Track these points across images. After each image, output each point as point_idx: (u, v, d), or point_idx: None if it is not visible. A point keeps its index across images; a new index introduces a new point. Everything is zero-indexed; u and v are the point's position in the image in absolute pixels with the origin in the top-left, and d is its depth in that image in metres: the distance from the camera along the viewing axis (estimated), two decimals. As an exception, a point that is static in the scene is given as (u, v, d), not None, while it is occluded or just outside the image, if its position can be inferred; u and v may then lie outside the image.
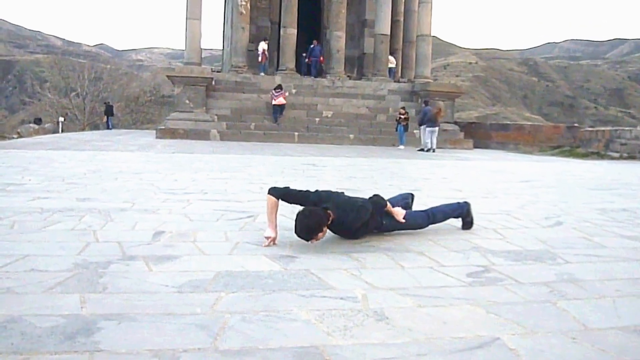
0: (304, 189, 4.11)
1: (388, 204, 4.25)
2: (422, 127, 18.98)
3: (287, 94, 21.41)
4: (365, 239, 4.17)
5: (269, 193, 4.01)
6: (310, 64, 24.60)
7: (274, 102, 20.83)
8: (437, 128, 18.77)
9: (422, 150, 18.52)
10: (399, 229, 4.39)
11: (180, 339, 2.19)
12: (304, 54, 24.52)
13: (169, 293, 2.76)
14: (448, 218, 4.68)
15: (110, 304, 2.55)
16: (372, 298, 2.79)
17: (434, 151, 18.29)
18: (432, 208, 4.68)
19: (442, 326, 2.45)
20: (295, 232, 3.78)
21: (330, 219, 3.83)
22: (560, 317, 2.63)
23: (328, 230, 3.93)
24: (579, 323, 2.55)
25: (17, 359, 1.97)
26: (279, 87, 21.20)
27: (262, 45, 23.92)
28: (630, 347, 2.29)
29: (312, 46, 24.47)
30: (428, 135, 18.65)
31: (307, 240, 3.79)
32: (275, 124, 20.91)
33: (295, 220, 3.78)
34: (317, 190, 4.08)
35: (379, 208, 4.16)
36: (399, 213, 4.30)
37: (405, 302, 2.77)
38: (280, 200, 4.00)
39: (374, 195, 4.25)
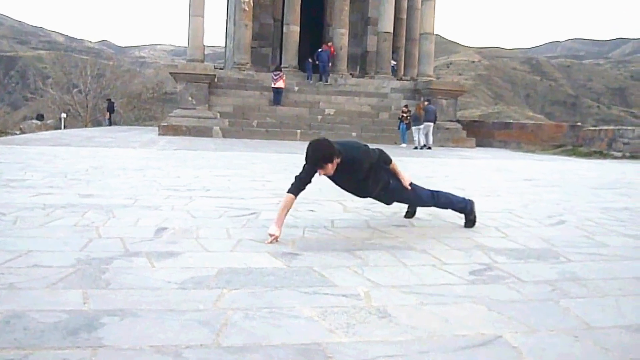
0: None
1: (393, 162, 4.29)
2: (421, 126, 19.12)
3: (285, 77, 21.75)
4: (368, 236, 4.17)
5: (288, 192, 4.00)
6: (317, 66, 23.56)
7: (272, 85, 21.45)
8: (421, 126, 18.94)
9: (419, 147, 18.63)
10: (404, 198, 4.41)
11: (183, 335, 2.19)
12: (310, 60, 23.54)
13: (171, 289, 2.76)
14: (451, 207, 4.68)
15: (113, 300, 2.55)
16: (374, 295, 2.79)
17: (422, 148, 18.50)
18: (437, 190, 4.69)
19: (445, 324, 2.44)
20: (306, 159, 3.86)
21: (340, 157, 3.86)
22: (563, 315, 2.63)
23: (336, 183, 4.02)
24: (581, 321, 2.55)
25: (20, 354, 1.97)
26: (278, 69, 21.92)
27: None
28: (634, 346, 2.29)
29: (320, 50, 23.54)
30: (415, 132, 18.95)
31: (318, 168, 3.83)
32: (272, 106, 21.51)
33: (307, 149, 3.84)
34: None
35: (384, 159, 4.21)
36: (406, 177, 4.33)
37: (408, 299, 2.77)
38: (300, 192, 4.00)
39: (377, 148, 4.27)
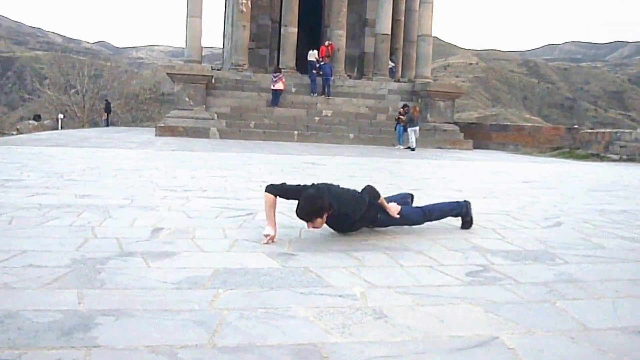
0: (301, 184, 4.11)
1: (381, 196, 4.25)
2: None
3: (285, 79, 21.67)
4: (364, 237, 4.17)
5: (266, 191, 4.01)
6: (321, 79, 22.88)
7: (272, 87, 21.40)
8: (417, 127, 19.16)
9: (408, 148, 18.87)
10: (393, 224, 4.39)
11: (178, 335, 2.18)
12: (314, 71, 22.87)
13: (167, 289, 2.75)
14: (445, 216, 4.67)
15: (108, 300, 2.54)
16: (370, 296, 2.79)
17: (413, 150, 18.64)
18: (428, 205, 4.68)
19: (441, 325, 2.44)
20: (296, 212, 3.80)
21: (331, 210, 3.84)
22: (559, 317, 2.63)
23: (325, 225, 3.93)
24: (578, 323, 2.54)
25: (14, 354, 1.96)
26: (278, 70, 21.83)
27: (315, 54, 23.66)
28: (630, 348, 2.28)
29: (323, 63, 22.99)
30: (411, 133, 19.12)
31: (306, 222, 3.80)
32: (270, 107, 21.46)
33: (299, 201, 3.79)
34: (313, 184, 4.05)
35: (373, 196, 4.18)
36: (393, 209, 4.30)
37: (404, 300, 2.76)
38: (278, 197, 4.00)
39: (367, 185, 4.25)
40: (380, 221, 4.34)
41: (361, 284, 3.00)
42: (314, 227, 3.86)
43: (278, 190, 4.01)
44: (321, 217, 3.79)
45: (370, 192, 4.16)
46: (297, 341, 2.18)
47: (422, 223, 4.54)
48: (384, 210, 4.28)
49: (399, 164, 12.17)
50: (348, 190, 4.16)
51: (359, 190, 4.20)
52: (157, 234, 4.01)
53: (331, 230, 4.23)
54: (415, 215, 4.49)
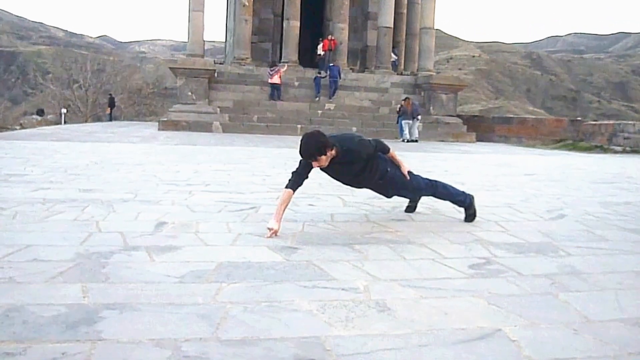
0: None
1: (392, 150, 4.31)
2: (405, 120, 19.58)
3: (284, 69, 21.58)
4: (367, 230, 4.17)
5: (286, 187, 4.00)
6: (327, 79, 22.39)
7: (269, 81, 21.36)
8: (411, 120, 19.33)
9: (408, 141, 19.05)
10: (402, 185, 4.42)
11: (182, 328, 2.19)
12: (319, 74, 22.51)
13: (171, 283, 2.76)
14: (449, 198, 4.67)
15: (113, 294, 2.55)
16: (374, 289, 2.79)
17: (407, 141, 18.86)
18: (436, 180, 4.68)
19: (444, 317, 2.45)
20: (300, 152, 3.87)
21: (335, 149, 3.88)
22: (562, 309, 2.63)
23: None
24: (580, 315, 2.55)
25: (19, 347, 1.97)
26: (274, 64, 21.83)
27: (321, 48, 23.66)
28: (632, 340, 2.29)
29: (331, 65, 22.66)
30: (405, 127, 19.28)
31: (310, 160, 3.86)
32: (272, 101, 21.43)
33: (301, 143, 3.85)
34: None
35: (381, 148, 4.23)
36: (405, 165, 4.33)
37: (407, 293, 2.77)
38: (298, 187, 4.01)
39: (374, 139, 4.28)
40: (389, 176, 4.34)
41: (364, 277, 3.00)
42: (319, 166, 3.92)
43: (295, 182, 4.00)
44: (325, 154, 3.84)
45: (378, 143, 4.21)
46: (301, 334, 2.19)
47: (428, 194, 4.58)
48: (394, 164, 4.31)
49: (402, 157, 12.11)
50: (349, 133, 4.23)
51: None
52: (160, 228, 4.02)
53: (333, 225, 4.23)
54: (423, 182, 4.52)
